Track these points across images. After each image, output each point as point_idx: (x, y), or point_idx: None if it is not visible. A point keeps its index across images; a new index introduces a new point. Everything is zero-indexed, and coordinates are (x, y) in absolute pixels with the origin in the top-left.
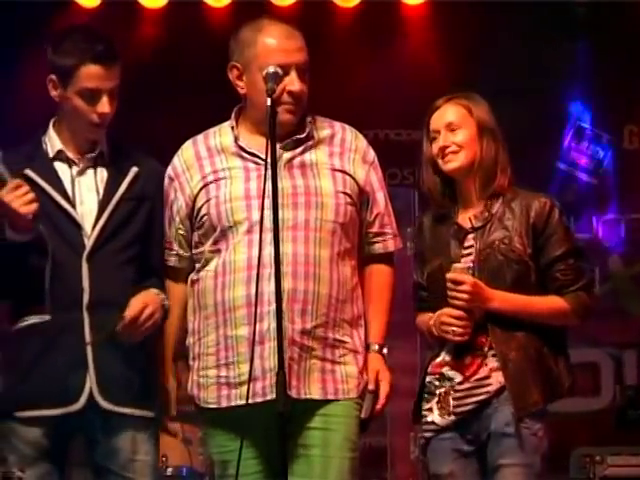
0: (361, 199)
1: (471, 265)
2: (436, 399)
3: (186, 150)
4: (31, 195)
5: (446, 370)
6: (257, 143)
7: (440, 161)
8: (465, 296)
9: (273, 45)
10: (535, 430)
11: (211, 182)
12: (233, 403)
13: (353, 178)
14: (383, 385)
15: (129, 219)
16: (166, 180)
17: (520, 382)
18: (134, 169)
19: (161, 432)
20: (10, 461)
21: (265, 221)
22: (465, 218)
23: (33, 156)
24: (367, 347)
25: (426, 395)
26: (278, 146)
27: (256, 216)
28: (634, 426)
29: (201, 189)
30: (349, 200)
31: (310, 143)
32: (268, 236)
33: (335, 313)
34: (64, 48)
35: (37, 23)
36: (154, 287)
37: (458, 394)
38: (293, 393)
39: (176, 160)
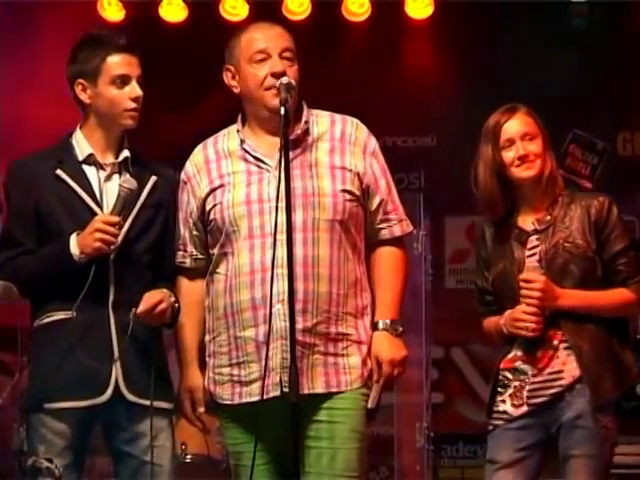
0: (364, 191)
1: (537, 265)
2: (510, 391)
3: (197, 154)
4: (114, 239)
5: (519, 364)
6: (262, 144)
7: (515, 169)
8: (537, 294)
9: (253, 35)
10: (605, 422)
11: (217, 187)
12: (244, 400)
13: (354, 173)
14: (385, 367)
15: (148, 226)
16: (180, 184)
17: (595, 372)
18: (153, 178)
19: (184, 421)
20: (39, 451)
21: (266, 226)
22: (526, 221)
23: (62, 158)
24: (375, 327)
25: (500, 389)
26: (277, 148)
27: (256, 222)
28: (629, 416)
29: (209, 194)
30: (349, 197)
31: (309, 141)
32: (268, 240)
33: (337, 308)
34: (87, 51)
35: (62, 34)
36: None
37: (532, 386)
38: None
39: (188, 164)
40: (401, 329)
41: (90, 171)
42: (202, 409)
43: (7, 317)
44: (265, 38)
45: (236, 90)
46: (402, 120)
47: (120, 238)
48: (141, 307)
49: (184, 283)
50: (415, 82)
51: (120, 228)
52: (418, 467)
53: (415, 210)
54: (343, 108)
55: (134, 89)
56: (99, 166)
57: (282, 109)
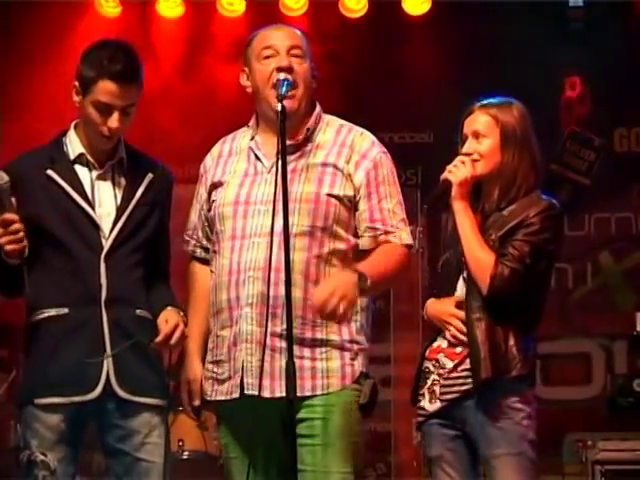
0: (356, 197)
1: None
2: (429, 384)
3: (215, 148)
4: (20, 234)
5: (441, 357)
6: (267, 144)
7: None
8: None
9: (264, 34)
10: (518, 419)
11: (217, 184)
12: (217, 398)
13: (346, 175)
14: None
15: (143, 223)
16: (200, 171)
17: (475, 358)
18: (149, 176)
19: (181, 418)
20: (33, 445)
21: (247, 228)
22: (477, 216)
23: (54, 158)
24: None
25: (421, 381)
26: (274, 152)
27: (239, 223)
28: (623, 413)
29: (211, 189)
30: (335, 202)
31: (309, 147)
32: (246, 242)
33: (315, 314)
34: (90, 60)
35: (60, 29)
36: (165, 293)
37: (447, 382)
38: (266, 393)
39: (207, 156)
40: (366, 283)
41: (82, 171)
42: (197, 402)
43: (4, 313)
44: (274, 36)
45: (249, 90)
46: (399, 116)
47: (114, 234)
48: (159, 337)
49: (197, 271)
50: (412, 79)
51: (13, 223)
52: (415, 464)
53: (412, 207)
54: (340, 104)
55: (113, 121)
56: (91, 166)
57: (279, 105)
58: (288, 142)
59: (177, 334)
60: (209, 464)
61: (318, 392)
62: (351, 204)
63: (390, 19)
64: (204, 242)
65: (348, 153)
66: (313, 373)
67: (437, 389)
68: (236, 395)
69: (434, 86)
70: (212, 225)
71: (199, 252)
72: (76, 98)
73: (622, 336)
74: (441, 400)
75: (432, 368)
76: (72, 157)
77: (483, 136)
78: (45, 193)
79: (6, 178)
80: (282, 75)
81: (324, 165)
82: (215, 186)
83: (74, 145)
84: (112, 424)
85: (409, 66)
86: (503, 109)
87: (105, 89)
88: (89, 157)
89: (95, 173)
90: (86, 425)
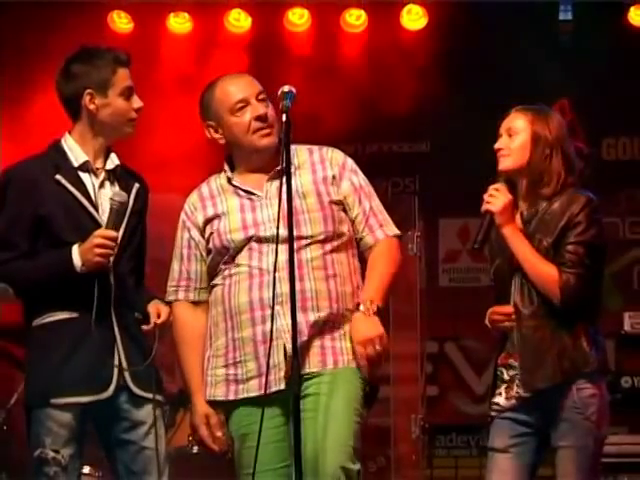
0: (347, 201)
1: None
2: (505, 385)
3: (192, 196)
4: (113, 252)
5: (511, 361)
6: (250, 180)
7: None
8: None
9: (227, 88)
10: (588, 415)
11: (213, 217)
12: (240, 396)
13: (334, 184)
14: (357, 347)
15: (134, 232)
16: (179, 224)
17: (528, 362)
18: (136, 185)
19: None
20: (46, 443)
21: (263, 240)
22: (517, 217)
23: (59, 164)
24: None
25: (498, 382)
26: (264, 181)
27: (252, 232)
28: (612, 409)
29: (206, 224)
30: (335, 207)
31: (292, 169)
32: (264, 249)
33: (338, 304)
34: (93, 62)
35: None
36: (148, 293)
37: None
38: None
39: (185, 206)
40: (375, 307)
41: (86, 177)
42: (220, 433)
43: (21, 314)
44: (240, 88)
45: (221, 141)
46: (398, 127)
47: (117, 241)
48: (163, 317)
49: (186, 315)
50: (410, 91)
51: (117, 241)
52: (414, 457)
53: (410, 212)
54: (342, 116)
55: (137, 100)
56: (93, 173)
57: (284, 116)
58: (276, 169)
59: (171, 318)
60: (219, 458)
61: (340, 366)
62: (342, 205)
63: (389, 34)
64: (198, 284)
65: (328, 166)
66: (334, 351)
67: (514, 387)
68: (279, 387)
69: (431, 99)
70: (216, 254)
71: (193, 296)
72: (93, 105)
73: (610, 335)
74: (516, 398)
75: (505, 372)
76: (76, 164)
77: (515, 133)
78: (55, 198)
79: (125, 199)
80: (286, 88)
81: (314, 181)
82: (210, 220)
83: (76, 152)
84: (120, 417)
85: (407, 79)
86: (537, 112)
87: (124, 75)
88: (93, 164)
89: (97, 180)
90: (89, 421)
